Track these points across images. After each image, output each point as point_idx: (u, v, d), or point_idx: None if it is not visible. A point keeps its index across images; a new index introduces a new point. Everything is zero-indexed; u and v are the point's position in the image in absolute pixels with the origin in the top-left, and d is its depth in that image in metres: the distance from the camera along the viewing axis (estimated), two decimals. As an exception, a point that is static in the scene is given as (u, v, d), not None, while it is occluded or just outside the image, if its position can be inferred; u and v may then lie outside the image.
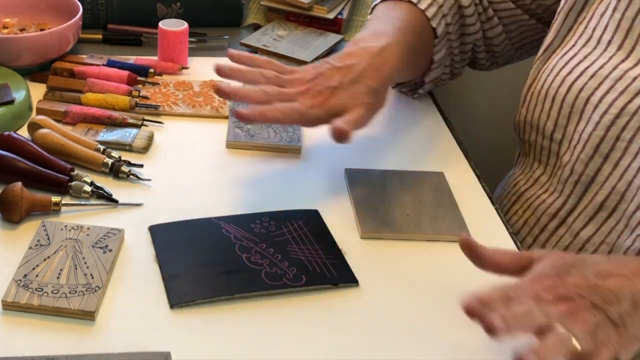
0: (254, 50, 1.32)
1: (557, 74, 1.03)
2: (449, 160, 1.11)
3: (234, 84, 1.01)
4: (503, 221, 1.00)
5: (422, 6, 1.09)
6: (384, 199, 1.00)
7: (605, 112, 0.96)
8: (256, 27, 1.39)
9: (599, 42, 1.01)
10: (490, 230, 0.99)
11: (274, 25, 1.38)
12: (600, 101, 0.97)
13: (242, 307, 0.85)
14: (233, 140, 1.09)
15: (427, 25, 1.09)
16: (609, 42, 0.99)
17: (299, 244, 0.92)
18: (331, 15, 1.38)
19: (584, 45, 1.02)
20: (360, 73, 0.97)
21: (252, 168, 1.06)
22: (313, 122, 0.95)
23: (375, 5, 1.14)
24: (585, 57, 1.01)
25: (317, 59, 1.30)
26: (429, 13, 1.09)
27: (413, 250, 0.95)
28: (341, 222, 0.97)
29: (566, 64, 1.03)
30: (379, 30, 1.05)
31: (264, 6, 1.41)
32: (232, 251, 0.90)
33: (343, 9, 1.41)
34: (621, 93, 0.96)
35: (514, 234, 0.99)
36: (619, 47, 0.98)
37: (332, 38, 1.36)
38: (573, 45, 1.04)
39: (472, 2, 1.13)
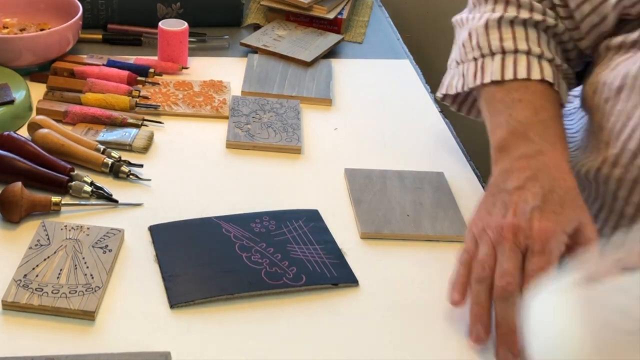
0: (254, 50, 1.32)
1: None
2: (449, 160, 1.11)
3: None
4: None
5: (536, 76, 0.93)
6: (384, 199, 1.00)
7: None
8: (256, 27, 1.39)
9: None
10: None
11: (274, 25, 1.38)
12: None
13: (242, 307, 0.85)
14: (233, 140, 1.09)
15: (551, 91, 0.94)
16: None
17: (299, 244, 0.92)
18: (331, 15, 1.38)
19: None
20: (549, 178, 0.84)
21: (252, 168, 1.06)
22: (560, 256, 0.80)
23: (481, 84, 0.97)
24: None
25: (316, 59, 1.30)
26: (548, 77, 0.94)
27: (413, 250, 0.95)
28: (341, 222, 0.97)
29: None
30: (514, 123, 0.90)
31: (264, 6, 1.41)
32: (232, 251, 0.90)
33: (343, 9, 1.41)
34: None
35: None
36: None
37: (332, 38, 1.36)
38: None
39: (556, 19, 0.98)
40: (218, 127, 1.13)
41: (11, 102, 1.09)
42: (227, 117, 1.15)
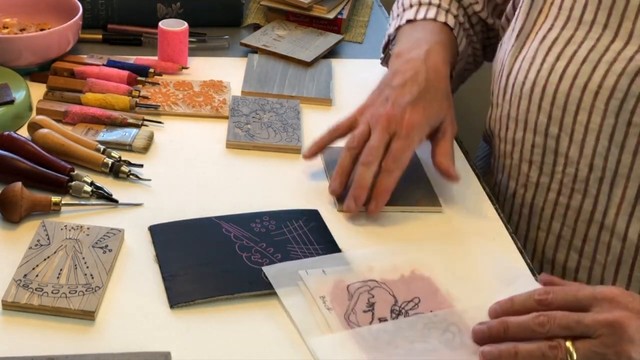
0: (254, 50, 1.32)
1: (543, 61, 0.97)
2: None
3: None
4: (503, 222, 1.00)
5: (441, 19, 1.11)
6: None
7: (610, 97, 0.91)
8: (256, 27, 1.39)
9: (580, 22, 0.95)
10: (491, 230, 0.99)
11: (274, 25, 1.38)
12: (600, 87, 0.92)
13: (242, 307, 0.84)
14: (233, 140, 1.09)
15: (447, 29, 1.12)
16: (593, 22, 0.94)
17: (299, 244, 0.92)
18: (331, 15, 1.38)
19: (563, 27, 0.97)
20: (425, 79, 1.00)
21: (252, 168, 1.06)
22: (420, 144, 0.99)
23: (398, 27, 1.14)
24: (569, 41, 0.96)
25: (316, 59, 1.30)
26: (451, 24, 1.11)
27: (390, 220, 0.98)
28: (341, 221, 0.97)
29: (549, 49, 0.97)
30: (414, 39, 1.08)
31: (264, 6, 1.41)
32: (232, 250, 0.90)
33: (343, 9, 1.41)
34: (620, 75, 0.91)
35: (513, 234, 0.99)
36: (605, 27, 0.93)
37: (332, 38, 1.36)
38: (550, 28, 0.98)
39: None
40: (218, 127, 1.13)
41: (11, 102, 1.09)
42: (227, 117, 1.15)
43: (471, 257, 0.93)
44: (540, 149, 1.00)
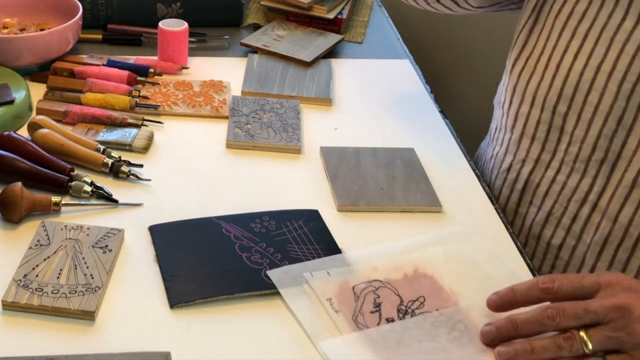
0: (254, 50, 1.32)
1: (558, 38, 0.97)
2: (448, 160, 1.11)
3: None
4: (503, 222, 1.00)
5: None
6: (358, 174, 1.03)
7: (623, 80, 0.91)
8: (256, 27, 1.39)
9: None
10: (491, 230, 0.99)
11: (274, 25, 1.38)
12: (613, 68, 0.92)
13: (242, 307, 0.85)
14: (233, 140, 1.09)
15: None
16: None
17: (299, 244, 0.92)
18: (331, 15, 1.38)
19: (577, 2, 0.96)
20: None
21: (252, 168, 1.06)
22: None
23: None
24: (583, 16, 0.95)
25: (316, 59, 1.30)
26: None
27: (387, 220, 0.98)
28: (341, 221, 0.97)
29: (564, 25, 0.97)
30: None
31: (264, 6, 1.41)
32: (232, 250, 0.90)
33: (343, 9, 1.41)
34: (633, 57, 0.91)
35: (514, 234, 0.99)
36: (616, 3, 0.93)
37: (332, 38, 1.36)
38: (565, 1, 0.98)
39: None
40: (218, 127, 1.13)
41: (11, 102, 1.09)
42: (227, 117, 1.15)
43: (471, 257, 0.93)
44: (546, 126, 1.00)
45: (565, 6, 0.98)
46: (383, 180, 1.03)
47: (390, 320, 0.82)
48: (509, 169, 1.05)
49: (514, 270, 0.91)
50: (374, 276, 0.87)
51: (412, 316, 0.83)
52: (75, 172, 0.99)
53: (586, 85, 0.95)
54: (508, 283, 0.87)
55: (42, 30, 1.24)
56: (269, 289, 0.86)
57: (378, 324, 0.82)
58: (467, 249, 0.93)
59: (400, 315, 0.83)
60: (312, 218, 0.96)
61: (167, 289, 0.85)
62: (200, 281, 0.86)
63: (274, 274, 0.86)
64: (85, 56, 1.25)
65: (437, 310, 0.84)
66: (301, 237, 0.93)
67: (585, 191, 0.97)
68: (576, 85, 0.95)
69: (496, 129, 1.10)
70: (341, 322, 0.82)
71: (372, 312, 0.83)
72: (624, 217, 0.94)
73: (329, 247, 0.92)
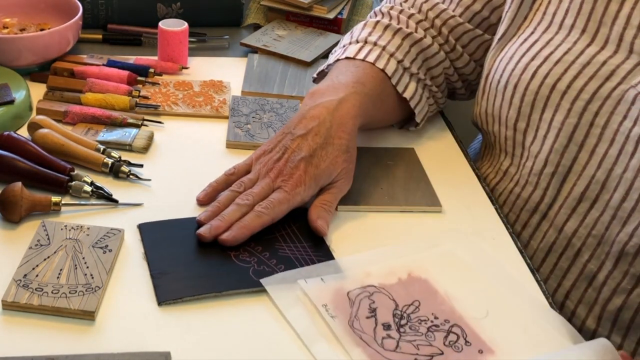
0: (254, 50, 1.32)
1: (519, 61, 1.01)
2: (448, 160, 1.11)
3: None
4: (503, 221, 1.00)
5: (380, 65, 1.06)
6: (359, 174, 1.02)
7: (576, 98, 0.95)
8: (256, 27, 1.39)
9: (560, 26, 0.99)
10: (490, 230, 0.99)
11: (274, 25, 1.38)
12: (568, 87, 0.96)
13: (242, 307, 0.84)
14: (233, 140, 1.09)
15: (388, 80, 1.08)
16: (572, 27, 0.97)
17: (287, 242, 0.92)
18: (331, 15, 1.38)
19: (544, 31, 1.00)
20: (327, 133, 0.97)
21: (252, 168, 1.06)
22: (303, 202, 0.95)
23: (337, 60, 1.10)
24: (547, 43, 0.99)
25: (316, 59, 1.30)
26: (389, 71, 1.07)
27: (387, 220, 0.98)
28: (332, 221, 0.97)
29: (527, 50, 1.00)
30: (337, 81, 1.04)
31: (264, 6, 1.41)
32: (220, 249, 0.90)
33: (343, 9, 1.41)
34: (591, 78, 0.94)
35: (513, 234, 0.99)
36: (583, 31, 0.96)
37: (332, 38, 1.36)
38: (532, 32, 1.02)
39: (433, 40, 1.11)
40: (218, 127, 1.13)
41: (11, 102, 1.09)
42: (227, 117, 1.15)
43: (471, 257, 0.93)
44: (512, 142, 1.04)
45: (532, 35, 1.02)
46: (383, 180, 1.03)
47: (386, 325, 0.82)
48: (485, 179, 1.09)
49: (509, 272, 0.91)
50: (368, 281, 0.87)
51: (408, 321, 0.83)
52: (75, 172, 0.99)
53: (541, 103, 0.99)
54: (504, 284, 0.87)
55: (42, 30, 1.24)
56: (257, 287, 0.86)
57: (374, 329, 0.82)
58: (460, 251, 0.93)
59: (396, 319, 0.83)
60: (301, 217, 0.96)
61: (156, 287, 0.85)
62: (189, 279, 0.86)
63: (267, 282, 0.86)
64: (85, 56, 1.25)
65: (432, 314, 0.84)
66: (289, 235, 0.93)
67: (537, 202, 1.01)
68: (532, 103, 1.00)
69: (484, 146, 1.15)
70: (338, 328, 0.82)
71: (367, 318, 0.83)
72: (569, 228, 0.98)
73: (318, 246, 0.92)
